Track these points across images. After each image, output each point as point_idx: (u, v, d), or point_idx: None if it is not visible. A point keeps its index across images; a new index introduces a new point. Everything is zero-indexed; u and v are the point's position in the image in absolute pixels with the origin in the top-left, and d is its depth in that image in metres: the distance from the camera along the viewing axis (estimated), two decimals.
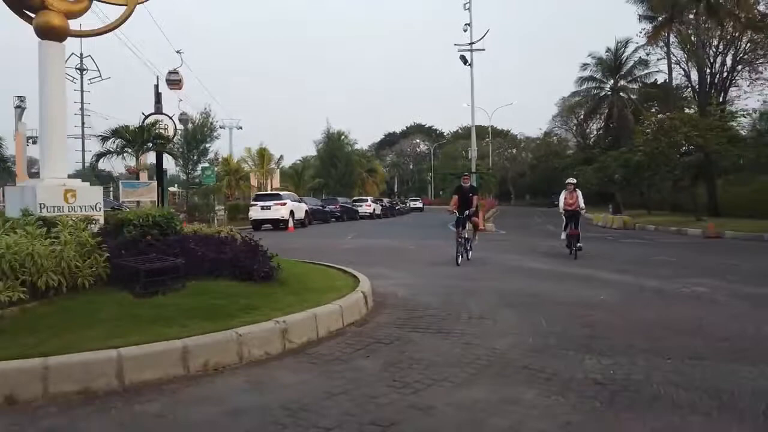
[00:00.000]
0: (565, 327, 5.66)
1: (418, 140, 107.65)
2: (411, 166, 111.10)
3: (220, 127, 36.71)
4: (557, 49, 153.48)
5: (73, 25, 7.17)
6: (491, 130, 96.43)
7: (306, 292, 6.21)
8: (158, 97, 26.18)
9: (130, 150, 20.39)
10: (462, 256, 11.12)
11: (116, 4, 7.28)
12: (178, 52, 32.73)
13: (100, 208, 6.96)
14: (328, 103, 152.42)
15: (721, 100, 33.65)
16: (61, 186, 6.63)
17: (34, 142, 39.55)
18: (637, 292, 7.77)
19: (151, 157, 26.92)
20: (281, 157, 42.10)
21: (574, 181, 13.45)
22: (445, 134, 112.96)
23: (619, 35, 63.75)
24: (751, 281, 8.76)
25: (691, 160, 27.75)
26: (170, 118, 25.51)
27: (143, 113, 24.59)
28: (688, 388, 3.79)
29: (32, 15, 6.80)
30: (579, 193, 12.80)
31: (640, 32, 40.36)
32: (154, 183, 20.50)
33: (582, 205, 12.67)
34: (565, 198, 12.85)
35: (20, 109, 34.31)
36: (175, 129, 26.29)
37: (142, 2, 7.32)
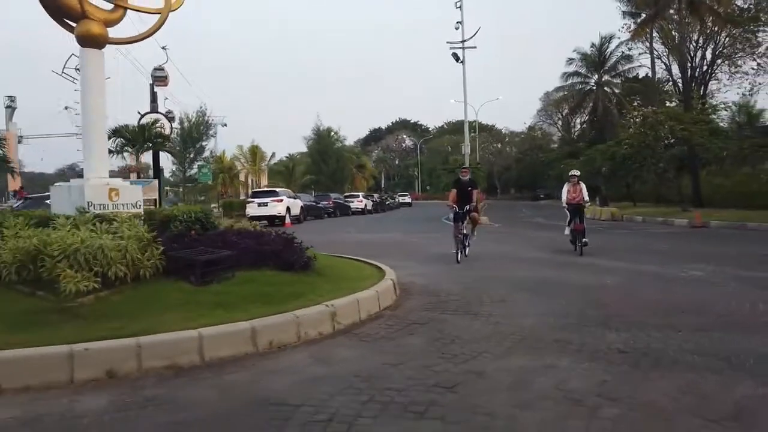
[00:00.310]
0: (579, 308, 6.23)
1: (404, 136, 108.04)
2: (397, 162, 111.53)
3: (222, 125, 36.57)
4: (541, 46, 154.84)
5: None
6: (477, 125, 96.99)
7: (340, 280, 6.71)
8: (154, 96, 26.38)
9: (130, 149, 20.58)
10: (461, 253, 10.61)
11: (150, 13, 7.69)
12: (163, 48, 31.71)
13: (140, 206, 7.39)
14: (311, 100, 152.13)
15: (702, 93, 34.74)
16: (105, 185, 7.05)
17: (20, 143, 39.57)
18: (639, 277, 8.39)
19: (147, 156, 27.08)
20: (273, 154, 42.41)
21: (578, 173, 12.59)
22: (430, 129, 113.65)
23: (603, 31, 64.87)
24: (742, 266, 9.43)
25: (675, 152, 28.64)
26: (166, 116, 25.72)
27: (139, 112, 24.75)
28: (700, 354, 4.37)
29: (73, 24, 7.19)
30: (583, 185, 12.17)
31: (622, 28, 41.38)
32: (155, 181, 20.74)
33: (586, 198, 12.12)
34: (568, 191, 12.19)
35: (11, 109, 34.24)
36: (171, 127, 26.51)
37: (174, 10, 7.74)
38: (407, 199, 67.34)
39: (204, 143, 29.44)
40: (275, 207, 25.79)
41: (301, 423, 3.21)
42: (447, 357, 4.44)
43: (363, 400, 3.55)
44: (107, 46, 7.35)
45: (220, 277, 5.87)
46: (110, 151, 22.74)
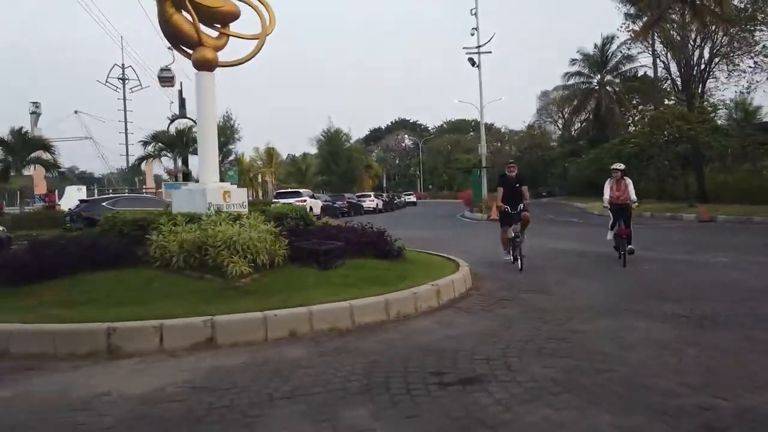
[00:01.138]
0: (632, 288, 7.44)
1: (404, 135, 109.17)
2: (397, 161, 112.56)
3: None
4: (536, 45, 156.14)
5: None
6: (475, 125, 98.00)
7: (427, 267, 7.91)
8: (182, 102, 27.48)
9: (168, 153, 21.79)
10: (519, 261, 9.23)
11: (248, 39, 8.85)
12: (169, 48, 32.53)
13: (245, 205, 8.55)
14: (312, 99, 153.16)
15: (700, 91, 36.07)
16: (220, 188, 8.22)
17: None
18: (674, 263, 9.60)
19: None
20: (288, 155, 43.69)
21: (622, 166, 10.32)
22: (430, 129, 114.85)
23: (596, 28, 66.55)
24: (759, 253, 10.68)
25: (680, 150, 29.93)
26: (194, 122, 26.88)
27: (169, 117, 25.95)
28: (746, 316, 5.58)
29: (189, 51, 8.35)
30: (629, 181, 10.04)
31: (621, 26, 42.71)
32: (192, 184, 21.94)
33: (633, 196, 9.93)
34: (610, 188, 10.10)
35: (35, 114, 35.25)
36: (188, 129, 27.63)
37: (269, 33, 8.90)
38: (412, 198, 68.52)
39: (231, 146, 30.66)
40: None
41: (468, 360, 4.40)
42: (545, 321, 5.64)
43: (501, 347, 4.74)
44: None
45: (335, 264, 7.05)
46: (149, 156, 24.03)
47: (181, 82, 27.39)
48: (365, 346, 4.90)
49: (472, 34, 27.32)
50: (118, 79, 23.93)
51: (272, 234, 6.89)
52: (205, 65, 8.27)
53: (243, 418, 3.42)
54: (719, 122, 35.57)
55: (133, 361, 4.61)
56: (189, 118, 26.93)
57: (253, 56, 8.72)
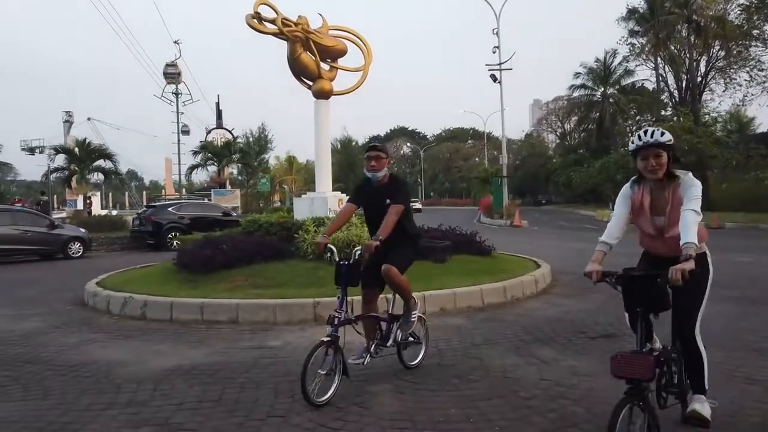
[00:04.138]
0: None
1: (408, 144, 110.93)
2: (396, 169, 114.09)
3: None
4: (532, 56, 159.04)
5: None
6: (472, 133, 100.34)
7: (512, 263, 9.52)
8: (219, 113, 29.09)
9: (215, 163, 23.36)
10: None
11: (352, 71, 10.50)
12: (176, 42, 31.67)
13: None
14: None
15: (698, 104, 38.17)
16: (335, 196, 9.83)
17: None
18: None
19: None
20: (307, 161, 45.34)
21: (666, 137, 3.23)
22: (428, 137, 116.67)
23: (593, 42, 68.51)
24: None
25: (687, 160, 31.84)
26: (230, 132, 28.45)
27: (206, 128, 27.52)
28: None
29: (309, 83, 9.98)
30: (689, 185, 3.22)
31: (620, 40, 44.87)
32: (237, 191, 23.53)
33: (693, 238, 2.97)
34: (635, 203, 3.58)
35: (68, 123, 36.65)
36: (234, 141, 29.23)
37: (370, 64, 10.52)
38: (417, 206, 70.16)
39: (265, 155, 32.30)
40: None
41: (595, 324, 6.01)
42: None
43: (612, 318, 6.35)
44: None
45: (445, 258, 8.65)
46: (197, 165, 25.58)
47: (218, 95, 29.12)
48: (506, 318, 6.51)
49: (494, 52, 29.21)
50: (172, 93, 25.61)
51: None
52: (322, 95, 9.89)
53: (468, 352, 5.02)
54: (718, 134, 37.65)
55: None
56: (226, 129, 28.46)
57: (361, 84, 10.36)
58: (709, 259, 3.30)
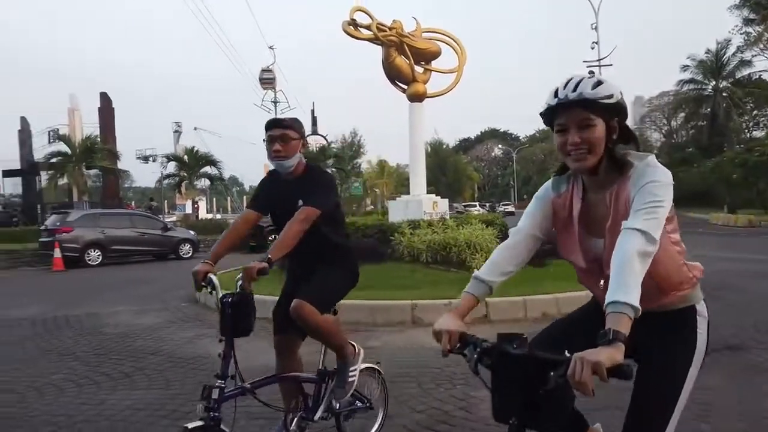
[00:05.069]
0: None
1: (499, 145, 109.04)
2: (487, 171, 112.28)
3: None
4: (638, 51, 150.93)
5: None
6: None
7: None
8: (314, 120, 30.04)
9: None
10: None
11: (446, 73, 10.46)
12: (270, 48, 31.56)
13: (447, 214, 10.13)
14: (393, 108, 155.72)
15: None
16: (430, 199, 9.85)
17: None
18: None
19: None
20: (397, 165, 45.85)
21: None
22: (521, 138, 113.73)
23: (712, 35, 63.88)
24: None
25: None
26: (325, 138, 29.30)
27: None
28: None
29: (404, 86, 10.07)
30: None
31: (733, 29, 41.44)
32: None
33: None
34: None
35: (177, 133, 39.46)
36: (329, 146, 30.06)
37: (465, 64, 10.44)
38: (510, 208, 68.70)
39: (358, 161, 33.08)
40: None
41: (717, 339, 5.57)
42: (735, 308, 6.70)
43: (735, 329, 5.87)
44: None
45: (546, 263, 8.38)
46: None
47: (313, 102, 30.00)
48: None
49: (593, 48, 28.02)
50: (272, 102, 26.92)
51: (495, 236, 8.36)
52: (416, 98, 9.95)
53: None
54: None
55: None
56: (321, 135, 29.36)
57: (455, 86, 10.31)
58: (704, 323, 1.83)
